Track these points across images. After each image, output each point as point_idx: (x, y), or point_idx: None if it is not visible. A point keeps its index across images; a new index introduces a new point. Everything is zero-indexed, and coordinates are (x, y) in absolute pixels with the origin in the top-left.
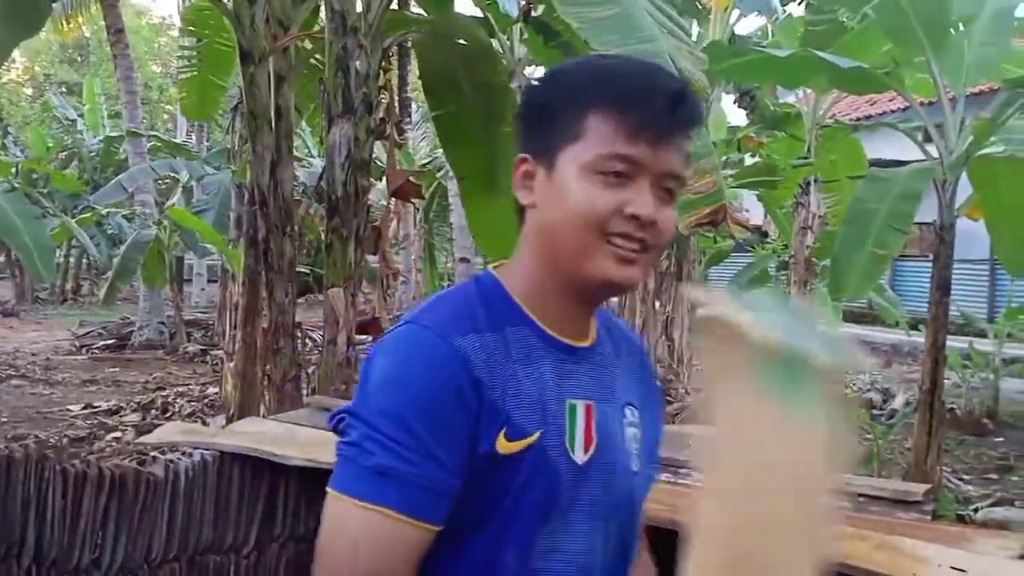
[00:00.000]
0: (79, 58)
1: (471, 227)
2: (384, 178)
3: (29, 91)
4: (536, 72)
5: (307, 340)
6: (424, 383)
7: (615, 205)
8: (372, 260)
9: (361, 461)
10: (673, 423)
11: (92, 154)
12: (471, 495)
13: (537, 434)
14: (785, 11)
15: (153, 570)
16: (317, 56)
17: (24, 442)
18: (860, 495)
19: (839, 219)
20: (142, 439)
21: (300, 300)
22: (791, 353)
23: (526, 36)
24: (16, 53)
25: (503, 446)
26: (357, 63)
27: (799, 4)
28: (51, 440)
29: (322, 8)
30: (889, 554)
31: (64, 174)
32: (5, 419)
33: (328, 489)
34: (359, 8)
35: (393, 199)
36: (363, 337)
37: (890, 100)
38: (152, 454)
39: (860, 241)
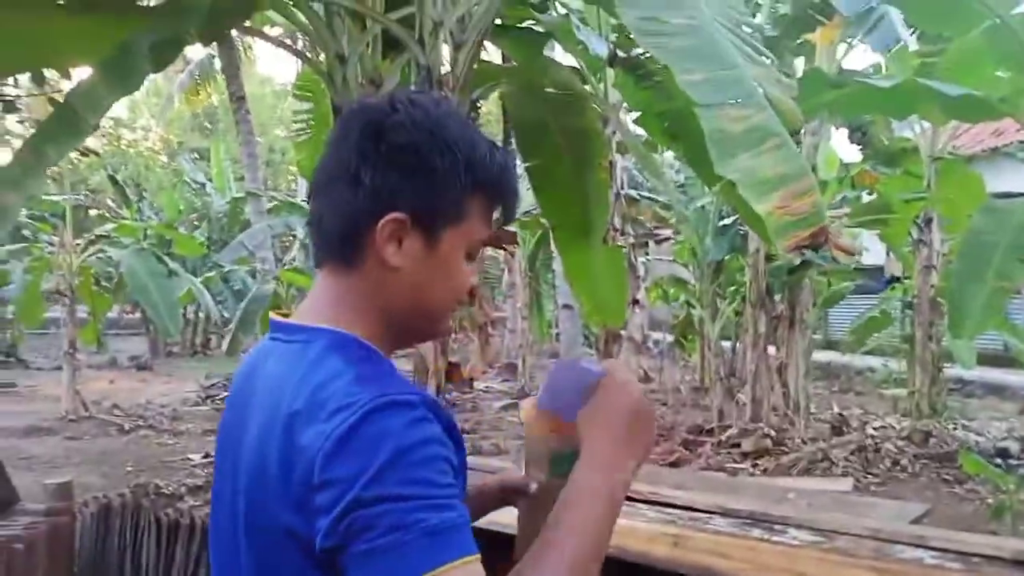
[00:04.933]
0: (209, 125)
1: (567, 275)
2: None
3: (164, 158)
4: (630, 117)
5: None
6: (428, 442)
7: (469, 281)
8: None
9: (423, 530)
10: (788, 474)
11: (220, 215)
12: None
13: None
14: (902, 42)
15: None
16: None
17: (127, 490)
18: (975, 555)
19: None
20: None
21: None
22: (560, 454)
23: (619, 80)
24: (152, 123)
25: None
26: None
27: (911, 34)
28: (168, 488)
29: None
30: None
31: (189, 236)
32: (130, 468)
33: None
34: (447, 62)
35: (489, 248)
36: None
37: (1017, 130)
38: None
39: (978, 275)
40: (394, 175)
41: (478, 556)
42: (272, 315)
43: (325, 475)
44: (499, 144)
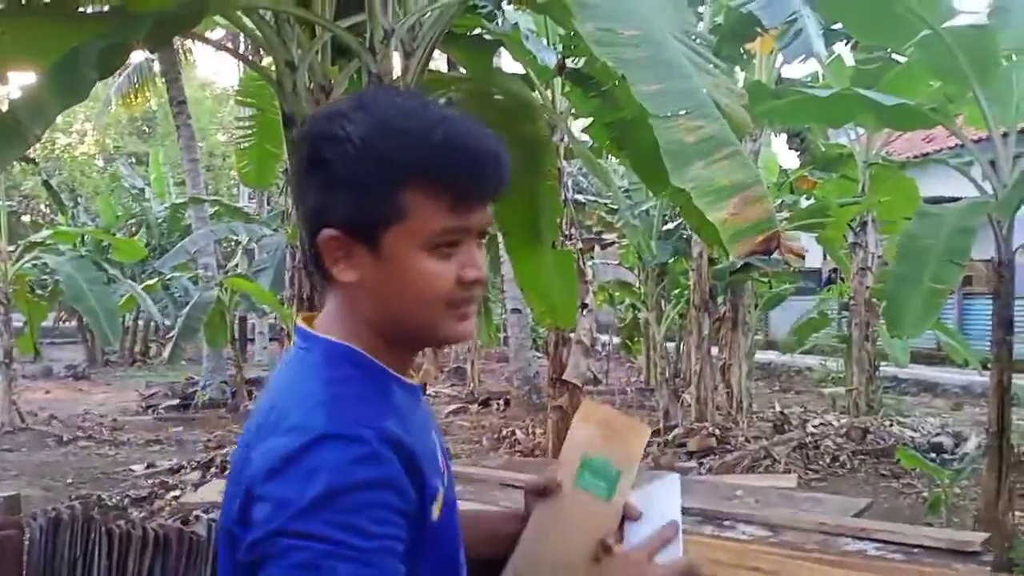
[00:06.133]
0: (147, 129)
1: (518, 280)
2: None
3: (101, 163)
4: (576, 125)
5: None
6: (370, 485)
7: (454, 276)
8: None
9: None
10: (733, 472)
11: (159, 221)
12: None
13: (442, 488)
14: (833, 52)
15: None
16: None
17: (76, 502)
18: (915, 546)
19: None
20: (185, 499)
21: None
22: (593, 464)
23: (567, 89)
24: (88, 127)
25: (434, 514)
26: None
27: (847, 45)
28: (111, 500)
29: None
30: None
31: (128, 241)
32: (70, 480)
33: None
34: (397, 70)
35: None
36: None
37: (947, 137)
38: (195, 513)
39: (915, 277)
40: (318, 191)
41: None
42: (297, 319)
43: (263, 489)
44: (462, 117)
